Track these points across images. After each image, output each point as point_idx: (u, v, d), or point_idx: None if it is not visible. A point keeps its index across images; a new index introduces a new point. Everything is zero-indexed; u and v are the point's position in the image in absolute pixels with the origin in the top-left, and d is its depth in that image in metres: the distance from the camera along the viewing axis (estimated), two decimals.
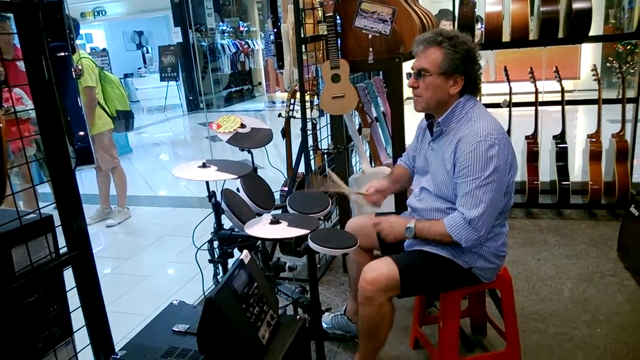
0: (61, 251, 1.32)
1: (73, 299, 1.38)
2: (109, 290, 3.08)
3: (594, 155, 3.70)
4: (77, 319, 1.39)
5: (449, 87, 1.77)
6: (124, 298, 3.10)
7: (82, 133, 1.22)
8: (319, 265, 3.11)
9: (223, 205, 1.90)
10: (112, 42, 13.55)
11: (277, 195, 2.91)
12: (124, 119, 4.49)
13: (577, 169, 4.21)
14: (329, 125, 3.21)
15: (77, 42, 4.39)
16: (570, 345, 2.28)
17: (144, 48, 13.50)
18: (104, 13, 11.60)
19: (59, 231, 1.32)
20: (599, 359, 2.19)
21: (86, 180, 4.95)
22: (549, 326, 2.43)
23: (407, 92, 3.34)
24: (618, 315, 2.48)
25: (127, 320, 2.48)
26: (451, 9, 3.74)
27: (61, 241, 1.36)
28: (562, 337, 2.35)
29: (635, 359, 2.17)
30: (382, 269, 1.79)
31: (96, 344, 1.37)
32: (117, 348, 1.51)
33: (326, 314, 2.45)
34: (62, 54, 1.11)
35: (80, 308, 1.36)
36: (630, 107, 3.63)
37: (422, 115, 2.00)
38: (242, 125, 2.19)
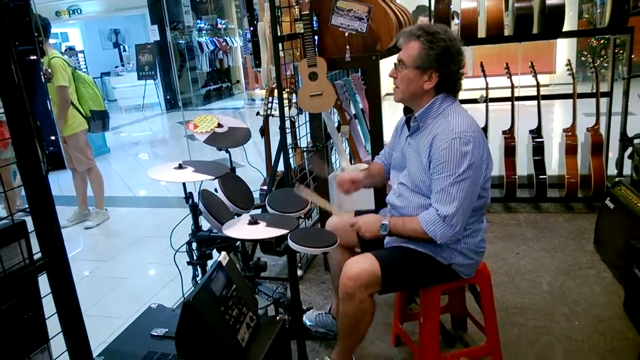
0: (36, 257, 1.29)
1: (49, 304, 1.35)
2: (87, 293, 3.06)
3: (570, 149, 3.76)
4: (53, 324, 1.37)
5: (423, 82, 1.78)
6: (102, 301, 3.06)
7: (52, 137, 1.19)
8: (299, 264, 3.11)
9: (201, 206, 1.89)
10: (88, 41, 13.32)
11: (256, 195, 2.90)
12: (100, 119, 4.41)
13: (554, 163, 4.28)
14: (307, 123, 3.20)
15: (51, 41, 4.27)
16: (549, 338, 2.32)
17: (121, 46, 13.31)
18: (79, 11, 11.39)
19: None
20: (577, 351, 2.23)
21: (63, 182, 4.87)
22: (529, 320, 2.47)
23: (385, 88, 3.34)
24: (595, 307, 2.53)
25: (105, 324, 2.45)
26: (428, 5, 3.76)
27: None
28: (541, 330, 2.39)
29: (612, 350, 2.21)
30: (363, 264, 1.79)
31: (73, 350, 1.34)
32: (94, 353, 1.48)
33: (310, 311, 2.46)
34: (31, 57, 1.09)
35: (56, 314, 1.33)
36: (604, 101, 3.70)
37: (400, 112, 2.01)
38: (219, 125, 2.17)
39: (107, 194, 4.68)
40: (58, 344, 1.39)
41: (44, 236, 1.25)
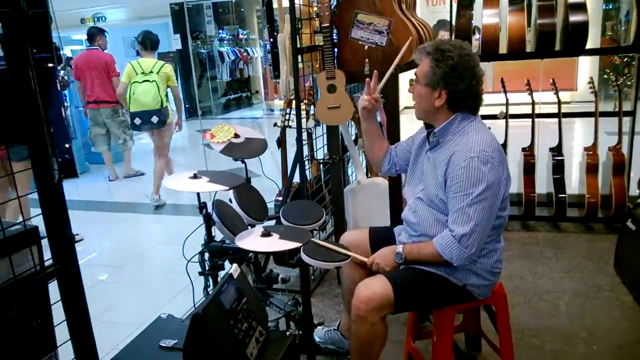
0: (47, 263, 1.29)
1: (58, 310, 1.35)
2: (99, 299, 3.07)
3: (591, 168, 3.69)
4: (62, 332, 1.37)
5: (433, 100, 1.77)
6: (114, 308, 3.05)
7: (67, 145, 1.19)
8: (312, 277, 3.08)
9: (214, 216, 1.88)
10: (112, 48, 13.48)
11: (271, 205, 2.89)
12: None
13: (574, 182, 4.19)
14: (325, 135, 3.19)
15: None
16: None
17: None
18: (103, 19, 11.61)
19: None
20: None
21: (81, 187, 4.94)
22: (545, 342, 2.40)
23: (404, 102, 3.31)
24: (615, 332, 2.45)
25: (116, 331, 2.44)
26: (449, 20, 3.74)
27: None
28: (558, 353, 2.32)
29: None
30: (376, 287, 1.76)
31: (81, 359, 1.34)
32: None
33: (319, 327, 2.42)
34: (48, 65, 1.09)
35: (65, 321, 1.32)
36: (627, 120, 3.62)
37: (417, 126, 1.99)
38: (236, 135, 2.17)
39: (123, 199, 4.73)
40: (66, 352, 1.38)
41: (56, 243, 1.25)
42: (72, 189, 4.68)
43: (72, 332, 1.31)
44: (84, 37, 12.61)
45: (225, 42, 11.79)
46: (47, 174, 1.12)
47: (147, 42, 4.97)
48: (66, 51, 11.52)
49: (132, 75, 4.85)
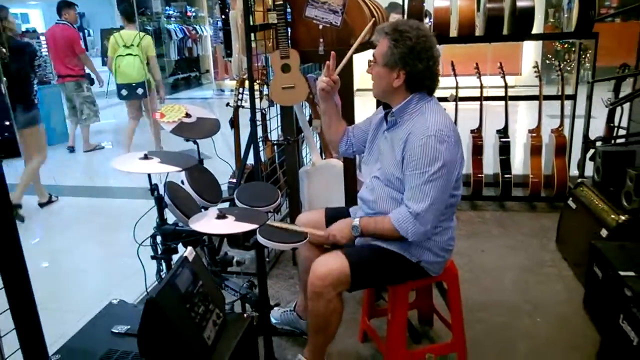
0: None
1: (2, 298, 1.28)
2: (45, 285, 2.92)
3: (535, 150, 3.84)
4: (6, 321, 1.30)
5: (392, 80, 1.78)
6: (61, 294, 2.94)
7: (7, 123, 1.11)
8: (268, 259, 3.07)
9: (166, 198, 1.82)
10: (50, 23, 12.78)
11: (224, 187, 2.84)
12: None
13: (519, 163, 4.36)
14: (279, 116, 3.15)
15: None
16: (512, 334, 2.36)
17: (86, 31, 12.86)
18: None
19: None
20: (538, 347, 2.28)
21: (21, 170, 4.66)
22: (493, 316, 2.50)
23: (358, 84, 3.30)
24: (556, 305, 2.59)
25: (64, 318, 2.35)
26: (401, 2, 3.75)
27: None
28: (505, 326, 2.43)
29: (573, 346, 2.27)
30: (332, 264, 1.78)
31: (27, 349, 1.28)
32: (51, 351, 1.41)
33: (276, 308, 2.43)
34: None
35: (9, 310, 1.25)
36: (568, 104, 3.78)
37: (372, 108, 1.99)
38: (187, 115, 2.11)
39: (67, 183, 4.54)
40: (10, 342, 1.32)
41: None
42: (13, 171, 4.42)
43: (16, 321, 1.24)
44: (19, 10, 11.86)
45: (172, 19, 11.37)
46: None
47: (128, 14, 5.30)
48: None
49: (116, 48, 5.16)
